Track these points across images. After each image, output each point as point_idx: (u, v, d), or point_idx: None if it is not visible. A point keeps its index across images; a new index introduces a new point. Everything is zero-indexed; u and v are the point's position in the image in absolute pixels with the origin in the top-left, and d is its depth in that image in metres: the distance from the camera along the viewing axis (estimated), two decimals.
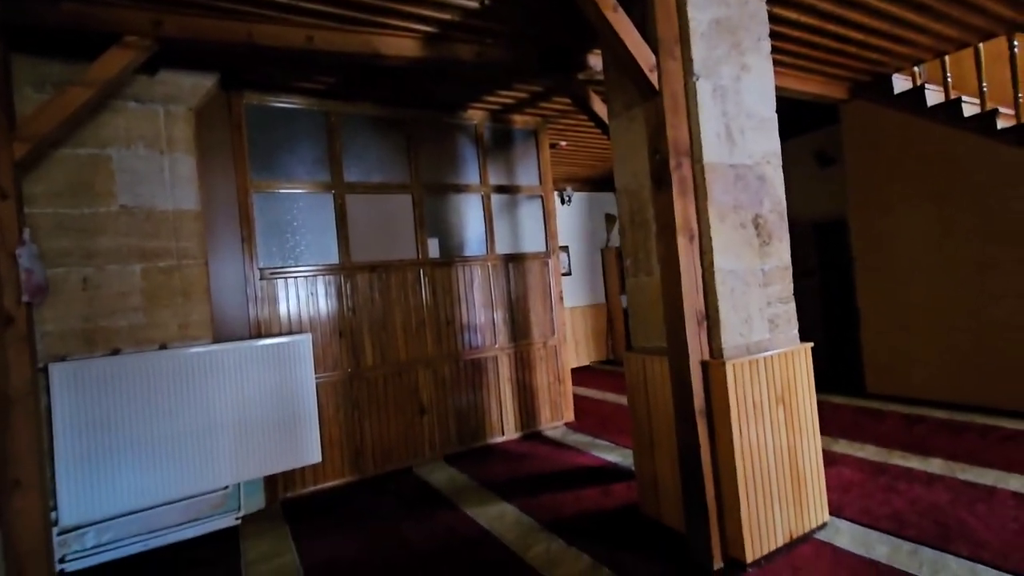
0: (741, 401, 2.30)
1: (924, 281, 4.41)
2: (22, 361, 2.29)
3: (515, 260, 4.62)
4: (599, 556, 2.48)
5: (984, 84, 4.07)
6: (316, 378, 3.54)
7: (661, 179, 2.36)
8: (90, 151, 2.92)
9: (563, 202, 7.64)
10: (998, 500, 2.66)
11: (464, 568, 2.50)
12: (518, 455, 4.06)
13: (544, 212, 4.81)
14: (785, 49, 3.76)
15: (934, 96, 4.31)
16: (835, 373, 5.50)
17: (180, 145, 3.15)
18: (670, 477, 2.60)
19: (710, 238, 2.35)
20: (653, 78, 2.33)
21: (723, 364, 2.26)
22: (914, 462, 3.23)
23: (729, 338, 2.36)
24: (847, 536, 2.46)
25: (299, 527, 3.10)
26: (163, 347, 3.01)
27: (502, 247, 4.56)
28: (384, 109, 4.07)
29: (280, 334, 3.50)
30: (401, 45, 3.09)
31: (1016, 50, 3.91)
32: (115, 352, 2.89)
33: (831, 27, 3.48)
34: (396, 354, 3.97)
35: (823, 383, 5.30)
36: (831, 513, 2.66)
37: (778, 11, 3.19)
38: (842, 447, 3.59)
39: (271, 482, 3.43)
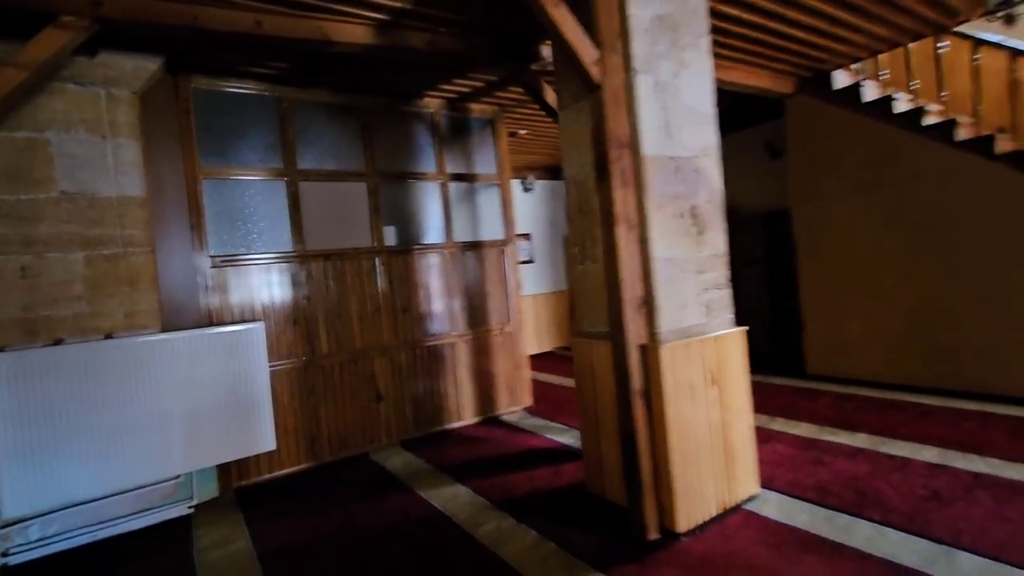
0: (676, 382, 2.44)
1: (859, 268, 4.68)
2: None
3: (473, 248, 4.67)
4: (545, 531, 2.60)
5: (915, 82, 4.32)
6: (270, 366, 3.53)
7: (602, 170, 2.45)
8: (27, 135, 2.83)
9: (525, 190, 7.72)
10: (911, 469, 2.90)
11: (416, 547, 2.59)
12: (475, 439, 4.16)
13: (502, 200, 4.87)
14: (732, 44, 3.90)
15: (870, 92, 4.54)
16: (780, 356, 5.78)
17: (124, 129, 3.08)
18: (613, 455, 2.73)
19: (649, 227, 2.47)
20: (595, 72, 2.41)
21: (660, 347, 2.39)
22: (842, 437, 3.46)
23: (666, 323, 2.49)
24: (774, 506, 2.64)
25: (253, 514, 3.12)
26: (109, 336, 2.96)
27: (460, 235, 4.61)
28: (339, 96, 4.04)
29: (233, 322, 3.47)
30: (352, 32, 3.08)
31: (941, 50, 4.16)
32: (58, 342, 2.83)
33: (774, 24, 3.63)
34: (352, 342, 4.00)
35: (768, 366, 5.59)
36: (762, 485, 2.85)
37: (722, 8, 3.32)
38: (779, 425, 3.81)
39: (225, 470, 3.42)
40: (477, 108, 4.70)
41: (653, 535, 2.43)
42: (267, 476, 3.61)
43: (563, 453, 3.66)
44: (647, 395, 2.45)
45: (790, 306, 5.50)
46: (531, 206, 7.85)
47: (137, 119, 3.13)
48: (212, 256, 3.50)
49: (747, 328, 2.77)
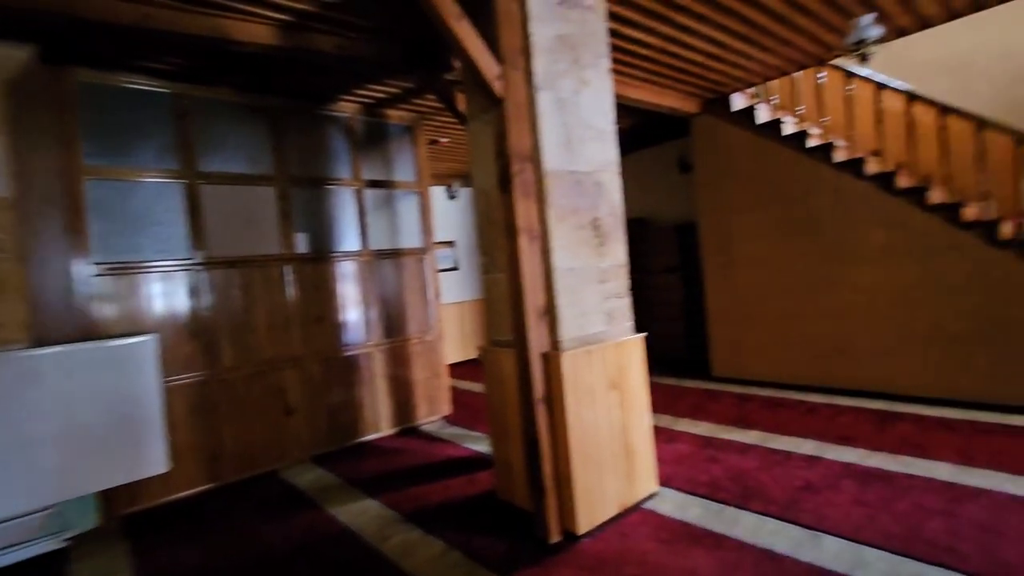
0: (578, 388, 2.53)
1: (755, 276, 5.05)
2: None
3: (391, 256, 4.61)
4: (452, 541, 2.60)
5: (800, 107, 4.74)
6: (165, 382, 3.30)
7: (505, 182, 2.51)
8: None
9: (450, 197, 7.71)
10: (792, 463, 3.16)
11: (317, 567, 2.50)
12: (391, 451, 4.09)
13: (421, 208, 4.84)
14: (640, 65, 4.11)
15: (763, 115, 4.93)
16: (692, 359, 6.12)
17: None
18: (520, 461, 2.78)
19: (551, 238, 2.55)
20: (498, 87, 2.47)
21: (561, 355, 2.47)
22: (737, 435, 3.72)
23: (568, 331, 2.58)
24: (670, 503, 2.79)
25: (141, 542, 2.90)
26: None
27: (376, 243, 4.53)
28: (246, 96, 3.87)
29: (121, 335, 3.21)
30: (255, 31, 2.97)
31: (821, 80, 4.60)
32: None
33: (674, 49, 3.87)
34: (259, 353, 3.82)
35: (682, 369, 5.90)
36: (662, 484, 3.00)
37: (626, 31, 3.50)
38: (684, 425, 4.03)
39: (111, 497, 3.15)
40: (395, 114, 4.66)
41: (555, 538, 2.49)
42: (161, 501, 3.36)
43: (479, 461, 3.67)
44: (549, 401, 2.52)
45: (701, 312, 5.85)
46: (455, 214, 7.86)
47: (3, 112, 2.84)
48: (98, 263, 3.23)
49: (646, 334, 2.91)
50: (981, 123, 3.83)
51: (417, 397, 4.66)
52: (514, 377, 2.70)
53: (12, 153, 2.88)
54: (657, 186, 6.89)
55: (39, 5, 2.45)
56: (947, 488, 2.70)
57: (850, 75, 4.44)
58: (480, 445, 4.00)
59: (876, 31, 2.97)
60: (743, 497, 2.77)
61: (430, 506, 3.03)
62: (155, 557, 2.72)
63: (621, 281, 2.89)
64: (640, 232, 7.01)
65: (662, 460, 3.31)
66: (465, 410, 5.02)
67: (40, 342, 2.92)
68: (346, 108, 4.36)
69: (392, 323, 4.57)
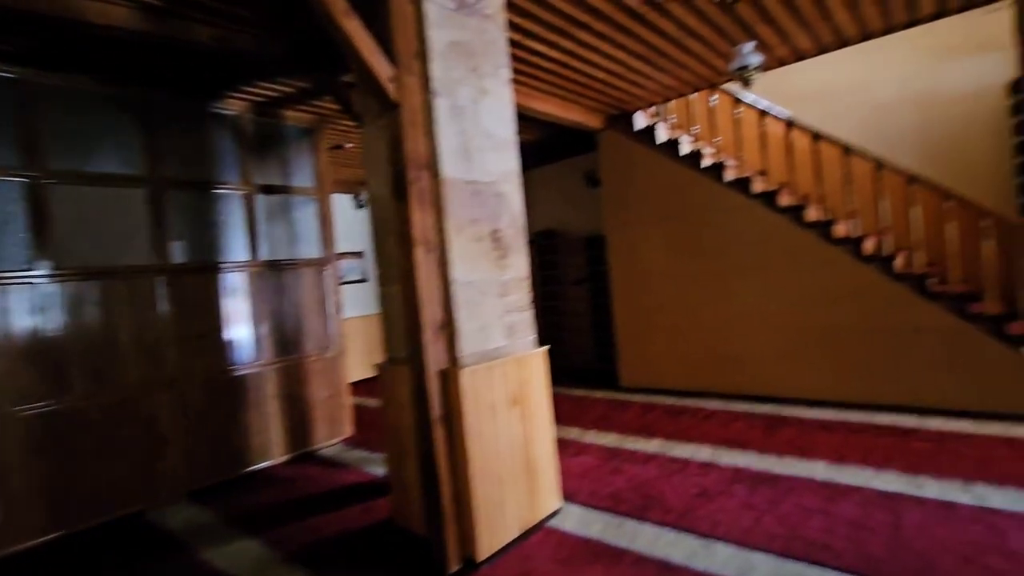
0: (478, 405, 2.42)
1: (658, 288, 5.25)
2: None
3: (286, 267, 4.28)
4: None
5: (696, 127, 5.02)
6: None
7: (401, 191, 2.37)
8: None
9: (359, 206, 7.39)
10: (689, 470, 3.25)
11: None
12: (283, 480, 3.75)
13: (321, 216, 4.55)
14: (543, 78, 4.14)
15: (662, 134, 5.16)
16: (602, 370, 6.24)
17: None
18: (419, 485, 2.62)
19: (449, 250, 2.43)
20: (392, 90, 2.34)
21: (460, 371, 2.35)
22: (640, 444, 3.79)
23: (467, 346, 2.47)
24: (574, 519, 2.75)
25: None
26: None
27: (270, 252, 4.18)
28: (110, 86, 3.43)
29: None
30: (113, 14, 2.63)
31: (713, 103, 4.90)
32: None
33: (577, 64, 3.93)
34: (122, 378, 3.35)
35: (592, 379, 5.99)
36: (566, 499, 2.96)
37: (529, 43, 3.50)
38: (591, 437, 4.05)
39: None
40: (292, 116, 4.35)
41: (455, 566, 2.35)
42: None
43: (379, 487, 3.44)
44: (448, 421, 2.39)
45: (610, 323, 5.98)
46: (364, 223, 7.54)
47: None
48: None
49: (549, 347, 2.87)
50: (846, 149, 4.24)
51: (315, 419, 4.34)
52: (411, 395, 2.54)
53: None
54: (567, 199, 7.02)
55: None
56: (824, 487, 2.88)
57: (738, 100, 4.76)
58: (382, 468, 3.77)
59: (757, 58, 3.19)
60: (643, 508, 2.79)
61: (320, 541, 2.78)
62: None
63: (523, 294, 2.83)
64: (550, 244, 7.10)
65: (568, 474, 3.29)
66: (369, 431, 4.74)
67: None
68: (234, 106, 4.00)
69: (287, 339, 4.22)
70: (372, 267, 7.60)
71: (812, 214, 4.46)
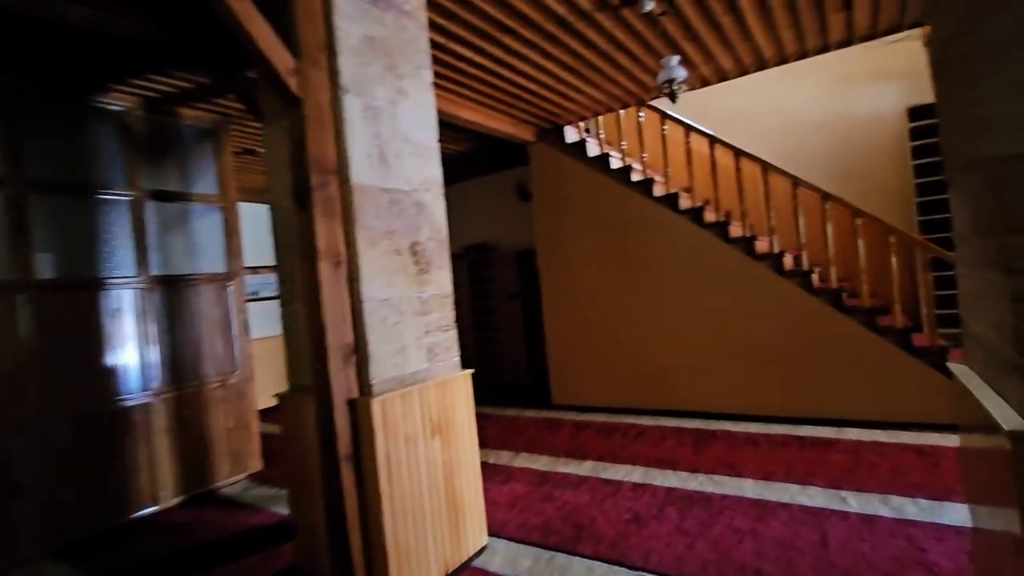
0: (393, 438, 2.17)
1: (589, 303, 5.19)
2: None
3: (182, 283, 3.81)
4: None
5: (624, 143, 5.04)
6: None
7: (303, 198, 2.10)
8: None
9: None
10: (621, 494, 3.13)
11: None
12: (175, 527, 3.27)
13: (226, 227, 4.12)
14: (471, 85, 3.99)
15: (593, 148, 5.15)
16: (534, 388, 6.09)
17: None
18: (326, 528, 2.31)
19: (360, 265, 2.18)
20: (293, 84, 2.07)
21: (371, 401, 2.09)
22: (572, 467, 3.64)
23: (380, 371, 2.21)
24: (501, 556, 2.53)
25: None
26: None
27: (164, 266, 3.71)
28: None
29: None
30: None
31: (641, 119, 4.95)
32: None
33: (506, 72, 3.81)
34: None
35: (525, 398, 5.82)
36: (493, 532, 2.74)
37: (454, 47, 3.33)
38: (522, 460, 3.86)
39: None
40: (191, 115, 3.92)
41: None
42: None
43: (287, 529, 3.06)
44: (357, 457, 2.12)
45: (542, 340, 5.85)
46: None
47: None
48: None
49: (473, 370, 2.66)
50: (765, 167, 4.38)
51: (216, 453, 3.86)
52: (316, 428, 2.25)
53: None
54: (499, 212, 6.89)
55: None
56: (753, 505, 2.85)
57: (665, 116, 4.82)
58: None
59: (682, 72, 3.19)
60: (575, 539, 2.62)
61: None
62: None
63: (446, 312, 2.62)
64: (482, 258, 6.93)
65: (496, 504, 3.07)
66: (280, 464, 4.28)
67: None
68: (120, 99, 3.54)
69: (183, 365, 3.75)
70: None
71: (736, 230, 4.56)
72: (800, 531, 2.55)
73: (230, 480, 3.92)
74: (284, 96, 2.10)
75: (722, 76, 4.29)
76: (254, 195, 6.10)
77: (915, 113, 4.70)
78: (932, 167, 4.58)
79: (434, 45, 3.19)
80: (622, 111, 4.99)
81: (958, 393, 1.53)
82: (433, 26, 2.98)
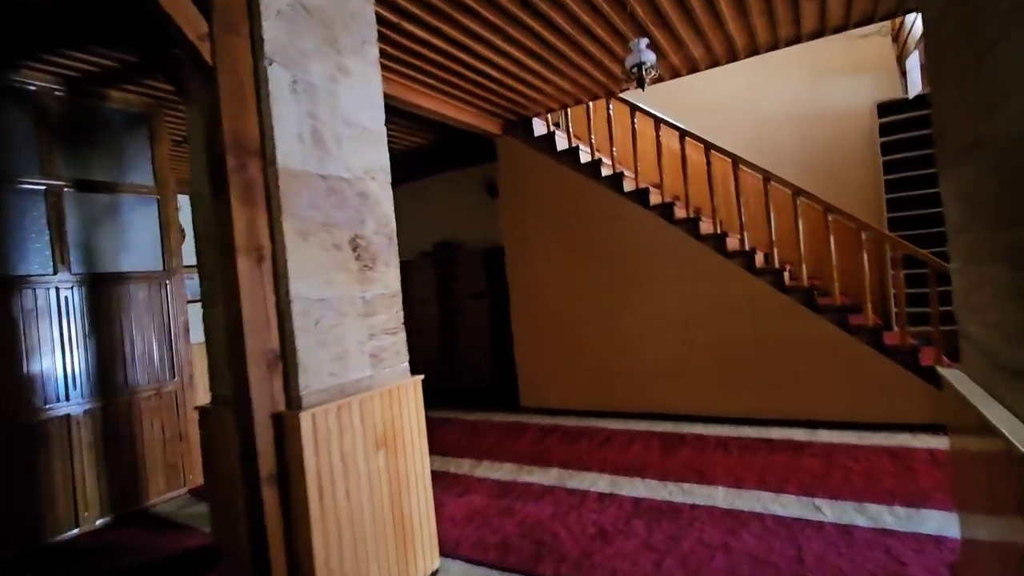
0: (325, 455, 1.92)
1: (556, 302, 5.00)
2: None
3: (110, 281, 3.47)
4: None
5: (594, 137, 4.87)
6: None
7: (219, 182, 1.83)
8: None
9: None
10: (586, 505, 2.93)
11: None
12: (96, 552, 2.95)
13: (162, 220, 3.78)
14: (430, 71, 3.75)
15: (561, 142, 4.96)
16: (500, 390, 5.87)
17: None
18: (250, 558, 2.05)
19: (288, 260, 1.93)
20: (204, 50, 1.80)
21: (300, 415, 1.84)
22: (536, 475, 3.43)
23: (313, 381, 1.96)
24: None
25: None
26: None
27: (88, 264, 3.37)
28: None
29: None
30: None
31: (611, 112, 4.78)
32: None
33: (467, 58, 3.57)
34: None
35: (491, 401, 5.60)
36: (447, 554, 2.51)
37: (409, 26, 3.08)
38: (483, 470, 3.63)
39: None
40: (120, 97, 3.58)
41: None
42: None
43: (216, 555, 2.78)
44: (284, 479, 1.86)
45: (509, 340, 5.64)
46: None
47: None
48: None
49: (422, 376, 2.43)
50: (736, 161, 4.25)
51: (149, 468, 3.53)
52: (236, 445, 1.98)
53: None
54: (466, 209, 6.66)
55: None
56: (725, 516, 2.69)
57: (635, 109, 4.66)
58: None
59: (651, 56, 3.01)
60: (535, 558, 2.41)
61: None
62: None
63: (393, 313, 2.37)
64: (448, 256, 6.68)
65: (452, 520, 2.85)
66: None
67: None
68: (34, 78, 3.18)
69: (111, 372, 3.41)
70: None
71: (706, 227, 4.43)
72: (774, 544, 2.40)
73: (166, 496, 3.59)
74: (196, 65, 1.83)
75: (693, 67, 4.14)
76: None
77: (884, 109, 4.64)
78: (902, 163, 4.53)
79: (386, 23, 2.95)
80: (591, 103, 4.81)
81: (952, 401, 1.37)
82: (383, 1, 2.74)
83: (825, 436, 3.70)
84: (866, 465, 3.19)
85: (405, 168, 6.49)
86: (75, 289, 3.29)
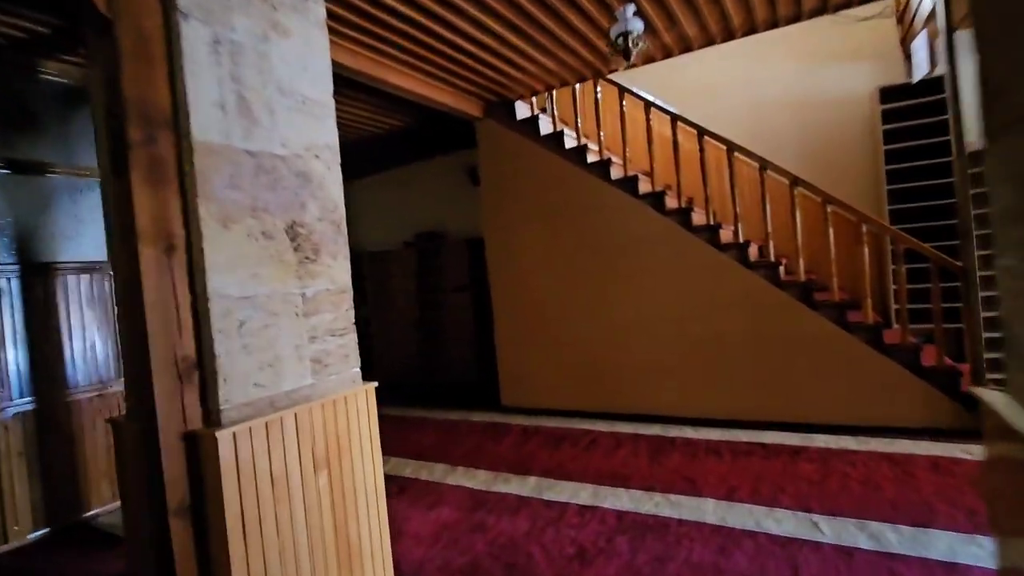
0: (250, 481, 1.64)
1: (540, 296, 4.73)
2: None
3: (51, 272, 3.16)
4: None
5: (580, 120, 4.57)
6: None
7: (118, 158, 1.54)
8: None
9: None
10: (566, 519, 2.68)
11: None
12: (24, 572, 2.67)
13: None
14: (399, 43, 3.43)
15: (545, 126, 4.66)
16: (483, 387, 5.61)
17: None
18: None
19: (206, 250, 1.63)
20: (100, 1, 1.50)
21: (218, 434, 1.56)
22: (514, 484, 3.18)
23: (236, 393, 1.68)
24: None
25: None
26: None
27: (16, 252, 3.05)
28: None
29: None
30: None
31: (599, 95, 4.48)
32: None
33: (440, 30, 3.26)
34: None
35: (472, 399, 5.34)
36: None
37: None
38: (458, 476, 3.38)
39: None
40: (59, 67, 3.24)
41: None
42: None
43: None
44: (197, 510, 1.59)
45: (490, 334, 5.37)
46: None
47: None
48: None
49: (376, 384, 2.15)
50: (731, 148, 3.98)
51: (91, 476, 3.24)
52: (142, 470, 1.70)
53: None
54: (450, 197, 6.35)
55: None
56: (715, 533, 2.45)
57: (624, 91, 4.37)
58: None
59: (639, 24, 2.73)
60: None
61: None
62: None
63: (342, 312, 2.09)
64: (432, 247, 6.39)
65: (416, 537, 2.59)
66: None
67: None
68: None
69: (47, 372, 3.11)
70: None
71: (699, 218, 4.17)
72: (769, 566, 2.17)
73: (110, 507, 3.31)
74: (87, 16, 1.52)
75: (686, 46, 3.85)
76: None
77: (887, 94, 4.37)
78: (904, 152, 4.27)
79: None
80: (578, 85, 4.51)
81: (992, 428, 1.11)
82: None
83: (821, 441, 3.47)
84: (864, 472, 2.97)
85: (384, 153, 6.17)
86: (9, 281, 2.98)
